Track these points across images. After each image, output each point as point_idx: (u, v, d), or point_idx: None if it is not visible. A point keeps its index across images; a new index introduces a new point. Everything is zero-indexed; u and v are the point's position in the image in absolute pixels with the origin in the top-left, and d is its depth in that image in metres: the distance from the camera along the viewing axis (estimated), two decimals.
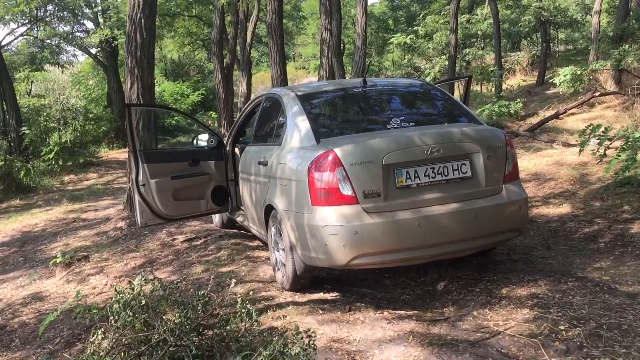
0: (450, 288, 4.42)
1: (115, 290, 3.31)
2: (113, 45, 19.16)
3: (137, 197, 5.69)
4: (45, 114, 16.48)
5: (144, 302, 3.30)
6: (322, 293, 4.47)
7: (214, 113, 21.72)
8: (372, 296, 4.43)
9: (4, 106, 15.72)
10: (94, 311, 3.51)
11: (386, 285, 4.64)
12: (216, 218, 7.02)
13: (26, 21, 18.81)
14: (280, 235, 4.54)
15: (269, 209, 4.74)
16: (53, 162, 13.97)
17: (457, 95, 13.09)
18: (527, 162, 8.27)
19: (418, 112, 4.89)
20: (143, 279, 3.38)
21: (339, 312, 4.03)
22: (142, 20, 7.76)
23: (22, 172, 12.71)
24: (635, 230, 5.24)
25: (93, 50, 21.16)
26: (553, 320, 3.52)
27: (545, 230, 5.78)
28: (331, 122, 4.71)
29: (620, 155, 5.97)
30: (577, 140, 7.02)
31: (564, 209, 6.25)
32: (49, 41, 20.49)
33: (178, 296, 3.44)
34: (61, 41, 19.34)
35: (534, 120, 11.34)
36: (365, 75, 5.72)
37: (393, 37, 20.91)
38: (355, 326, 3.78)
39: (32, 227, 8.66)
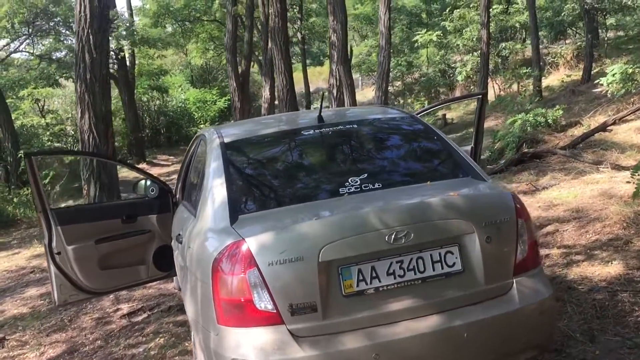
0: None
1: None
2: (119, 56, 18.22)
3: (52, 269, 4.52)
4: (48, 132, 15.59)
5: None
6: None
7: None
8: None
9: None
10: None
11: None
12: (174, 280, 5.71)
13: (14, 37, 18.17)
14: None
15: None
16: (49, 188, 12.97)
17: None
18: (567, 192, 6.62)
19: (389, 166, 3.32)
20: None
21: None
22: (91, 37, 6.50)
23: (12, 205, 11.74)
24: None
25: None
26: None
27: (589, 305, 4.21)
28: (260, 188, 3.25)
29: None
30: (630, 164, 5.39)
31: (614, 268, 4.66)
32: (59, 55, 19.78)
33: None
34: (68, 54, 18.51)
35: (576, 131, 9.54)
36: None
37: (418, 34, 19.20)
38: None
39: None
